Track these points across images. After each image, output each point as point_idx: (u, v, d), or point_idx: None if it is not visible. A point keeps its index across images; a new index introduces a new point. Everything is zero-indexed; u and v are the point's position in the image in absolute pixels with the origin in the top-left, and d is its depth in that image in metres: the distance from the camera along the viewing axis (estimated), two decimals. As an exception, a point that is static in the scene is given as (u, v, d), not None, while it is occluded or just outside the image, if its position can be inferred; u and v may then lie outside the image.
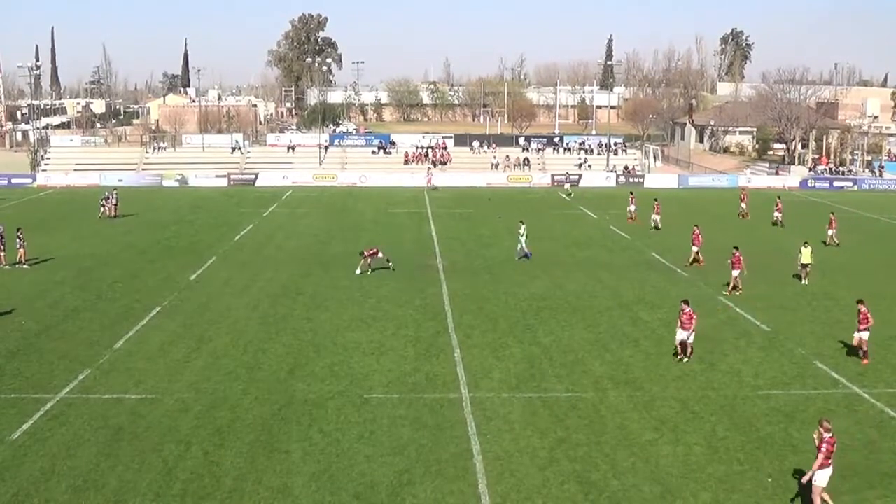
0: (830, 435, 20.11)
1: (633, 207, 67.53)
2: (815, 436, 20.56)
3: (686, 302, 31.94)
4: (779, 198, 70.04)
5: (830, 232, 56.49)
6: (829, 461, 20.06)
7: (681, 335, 31.62)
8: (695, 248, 49.54)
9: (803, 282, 44.12)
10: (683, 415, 26.56)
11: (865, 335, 31.80)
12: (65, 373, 29.93)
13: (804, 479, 20.49)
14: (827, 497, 20.27)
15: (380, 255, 47.42)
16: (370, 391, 28.51)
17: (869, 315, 31.76)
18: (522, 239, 51.16)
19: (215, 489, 21.35)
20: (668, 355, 31.85)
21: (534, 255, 51.05)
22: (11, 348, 32.82)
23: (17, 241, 48.63)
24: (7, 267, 47.83)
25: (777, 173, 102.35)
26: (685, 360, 31.51)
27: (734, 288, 42.32)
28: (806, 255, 44.47)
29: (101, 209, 69.40)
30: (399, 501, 20.82)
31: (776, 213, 66.80)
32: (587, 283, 44.27)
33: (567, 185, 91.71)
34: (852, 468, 22.79)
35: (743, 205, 70.96)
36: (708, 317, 37.97)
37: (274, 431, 25.13)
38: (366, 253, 47.04)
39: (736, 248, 42.84)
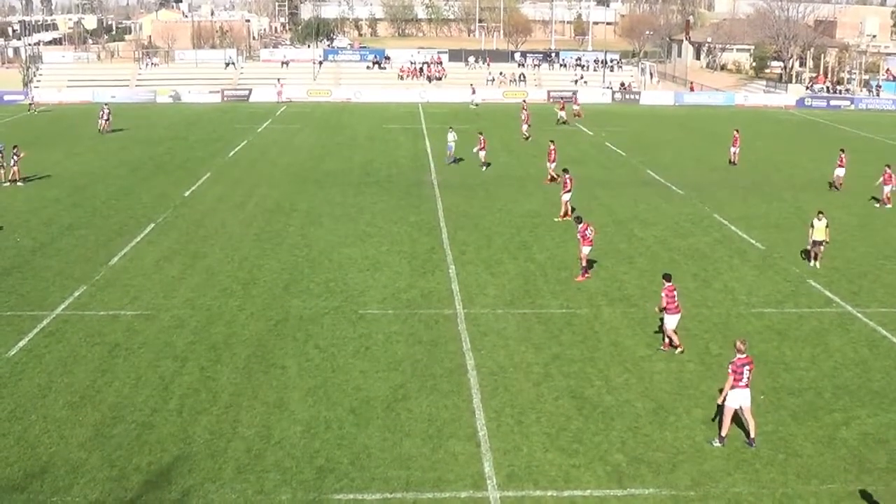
0: (742, 356, 19.54)
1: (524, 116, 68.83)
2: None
3: (579, 219, 32.60)
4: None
5: (734, 150, 55.91)
6: (742, 383, 19.43)
7: (585, 250, 31.76)
8: (550, 165, 48.81)
9: (813, 263, 33.60)
10: (677, 332, 26.64)
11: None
12: (60, 289, 29.94)
13: (718, 401, 20.10)
14: (749, 417, 19.79)
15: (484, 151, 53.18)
16: (365, 307, 28.59)
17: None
18: (452, 145, 54.77)
19: (212, 404, 21.49)
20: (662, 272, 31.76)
21: (529, 173, 50.93)
22: (7, 265, 32.79)
23: (13, 158, 47.97)
24: (7, 184, 47.55)
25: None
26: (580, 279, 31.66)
27: (565, 214, 40.46)
28: (819, 231, 33.23)
29: (100, 122, 69.63)
30: (394, 416, 20.98)
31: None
32: (582, 201, 44.09)
33: (474, 96, 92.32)
34: (844, 387, 22.99)
35: (565, 112, 75.56)
36: (703, 235, 38.05)
37: (269, 347, 25.25)
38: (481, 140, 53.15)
39: (566, 170, 41.63)
